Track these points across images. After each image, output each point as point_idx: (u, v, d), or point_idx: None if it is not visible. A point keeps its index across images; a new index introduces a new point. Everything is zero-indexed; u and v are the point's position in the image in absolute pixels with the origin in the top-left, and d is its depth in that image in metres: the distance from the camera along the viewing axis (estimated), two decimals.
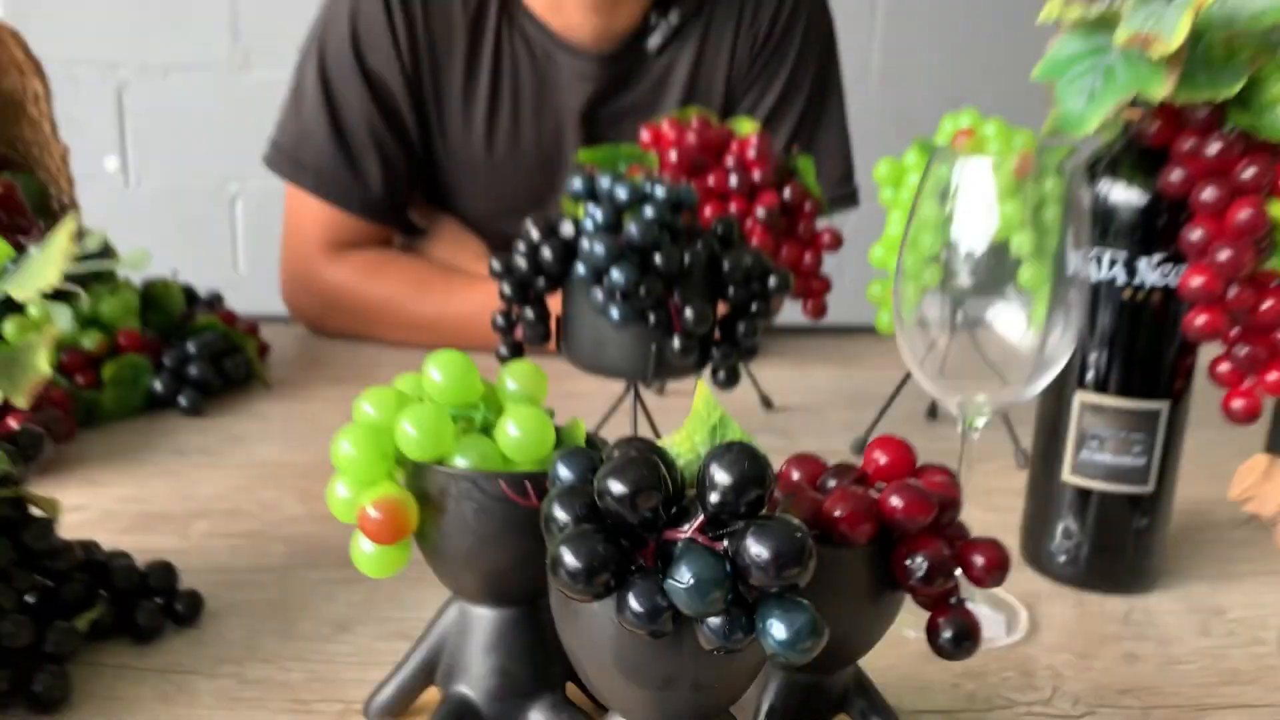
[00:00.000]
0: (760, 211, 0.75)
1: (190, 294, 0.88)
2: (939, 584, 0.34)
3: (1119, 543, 0.58)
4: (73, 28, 1.87)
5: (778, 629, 0.27)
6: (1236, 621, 0.56)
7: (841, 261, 1.14)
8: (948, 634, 0.34)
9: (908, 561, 0.34)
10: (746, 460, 0.27)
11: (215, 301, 0.89)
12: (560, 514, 0.29)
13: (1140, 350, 0.55)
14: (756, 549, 0.26)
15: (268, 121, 2.01)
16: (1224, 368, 0.55)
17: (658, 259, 0.59)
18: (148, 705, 0.45)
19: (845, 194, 1.08)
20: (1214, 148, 0.50)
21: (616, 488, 0.27)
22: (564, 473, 0.31)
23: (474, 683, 0.38)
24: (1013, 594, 0.57)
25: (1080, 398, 0.56)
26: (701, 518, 0.28)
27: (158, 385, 0.77)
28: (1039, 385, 0.51)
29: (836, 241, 0.78)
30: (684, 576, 0.27)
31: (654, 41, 1.02)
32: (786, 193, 0.77)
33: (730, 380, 0.65)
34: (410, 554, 0.37)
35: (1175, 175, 0.52)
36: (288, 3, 1.90)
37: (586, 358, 0.63)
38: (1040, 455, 0.60)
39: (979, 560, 0.35)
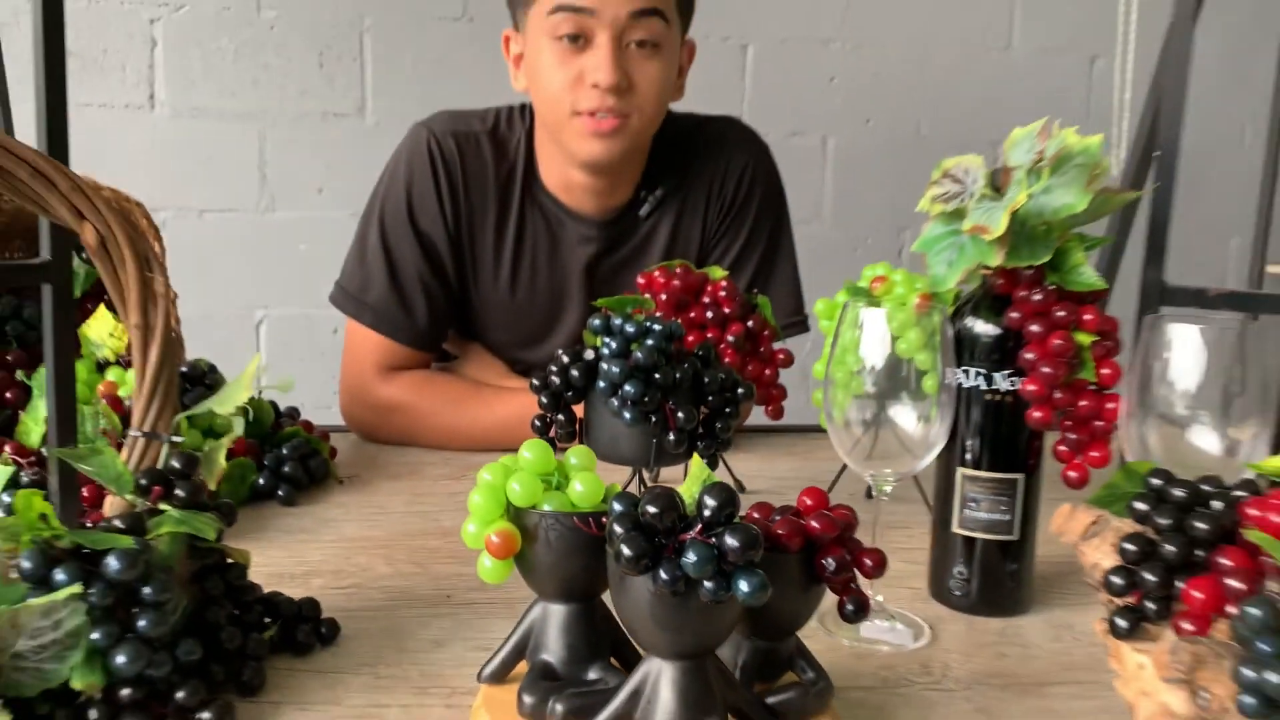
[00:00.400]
0: (730, 338, 0.98)
1: (276, 408, 1.09)
2: (843, 575, 0.55)
3: (997, 578, 0.79)
4: (117, 173, 2.10)
5: (743, 585, 0.48)
6: (1082, 633, 0.77)
7: (806, 374, 1.37)
8: (850, 606, 0.56)
9: (823, 561, 0.55)
10: (725, 492, 0.49)
11: (295, 414, 1.11)
12: (618, 528, 0.50)
13: (1001, 437, 0.77)
14: (731, 540, 0.48)
15: (290, 255, 2.24)
16: (1062, 448, 0.78)
17: (657, 376, 0.81)
18: (317, 691, 0.65)
19: (796, 322, 1.32)
20: (1038, 296, 0.74)
21: (652, 509, 0.49)
22: (618, 506, 0.52)
23: (552, 653, 0.58)
24: (921, 617, 0.78)
25: (961, 471, 0.79)
26: (700, 526, 0.49)
27: (261, 481, 0.98)
28: (925, 462, 0.73)
29: (789, 360, 1.01)
30: (690, 558, 0.48)
31: (643, 211, 1.28)
32: (750, 323, 1.00)
33: (711, 466, 0.86)
34: (512, 568, 0.58)
35: (1014, 314, 0.75)
36: (308, 153, 2.16)
37: (604, 450, 0.85)
38: (938, 515, 0.81)
39: (868, 561, 0.56)
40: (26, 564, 0.56)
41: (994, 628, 0.77)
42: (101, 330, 0.98)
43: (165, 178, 2.13)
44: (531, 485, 0.57)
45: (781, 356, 1.01)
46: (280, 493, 0.98)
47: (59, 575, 0.56)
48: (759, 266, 1.31)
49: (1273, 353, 0.68)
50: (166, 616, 0.58)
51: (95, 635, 0.56)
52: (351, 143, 2.17)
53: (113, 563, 0.57)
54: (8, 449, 0.89)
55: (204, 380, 1.01)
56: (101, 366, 0.97)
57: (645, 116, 1.18)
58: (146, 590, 0.58)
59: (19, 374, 0.96)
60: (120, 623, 0.57)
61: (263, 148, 2.15)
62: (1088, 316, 0.73)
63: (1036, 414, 0.75)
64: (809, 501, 0.58)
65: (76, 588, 0.56)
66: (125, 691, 0.57)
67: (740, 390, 0.86)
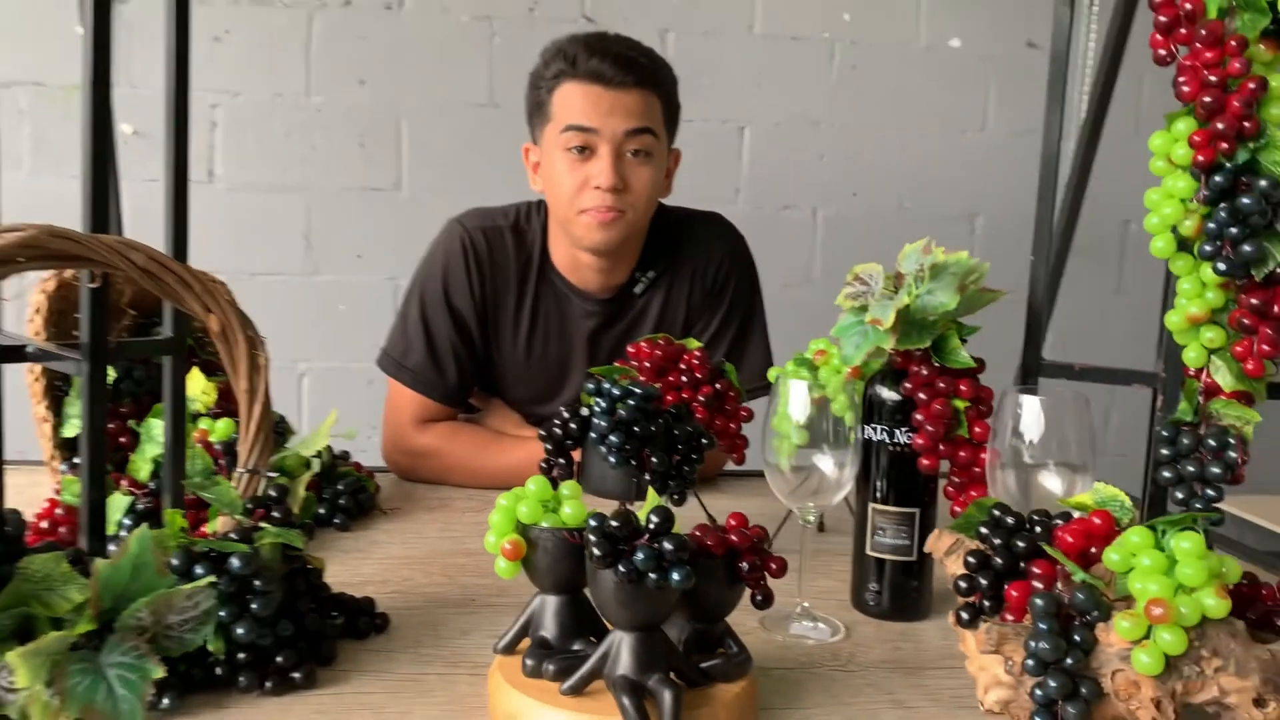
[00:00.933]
0: (701, 397, 1.20)
1: (332, 451, 1.32)
2: (754, 575, 0.77)
3: (902, 591, 1.01)
4: None
5: (675, 575, 0.70)
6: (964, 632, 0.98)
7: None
8: (759, 597, 0.78)
9: (740, 564, 0.77)
10: (665, 512, 0.72)
11: (345, 456, 1.34)
12: (592, 536, 0.73)
13: (902, 479, 0.99)
14: (668, 544, 0.70)
15: (331, 314, 2.46)
16: (949, 488, 1.00)
17: (637, 429, 1.03)
18: (375, 663, 0.87)
19: (764, 385, 1.54)
20: (924, 371, 0.96)
21: (615, 523, 0.72)
22: (593, 522, 0.74)
23: (548, 630, 0.80)
24: (841, 621, 1.00)
25: (872, 506, 1.01)
26: (647, 535, 0.72)
27: (321, 511, 1.21)
28: (839, 498, 0.96)
29: (750, 416, 1.23)
30: (640, 556, 0.71)
31: (638, 290, 1.53)
32: (718, 385, 1.22)
33: (680, 500, 1.08)
34: (520, 568, 0.81)
35: (908, 385, 0.97)
36: (349, 223, 2.40)
37: (595, 486, 1.07)
38: (856, 541, 1.03)
39: (773, 564, 0.78)
40: (175, 561, 0.79)
41: (897, 629, 0.99)
42: (195, 388, 1.22)
43: (221, 244, 2.32)
44: (534, 508, 0.80)
45: (744, 413, 1.23)
46: (336, 520, 1.20)
47: (198, 569, 0.79)
48: (735, 338, 1.56)
49: (1093, 416, 0.90)
50: (271, 602, 0.81)
51: (223, 613, 0.79)
52: (388, 215, 2.41)
53: (235, 561, 0.80)
54: (124, 483, 1.12)
55: (275, 429, 1.25)
56: (194, 417, 1.21)
57: (638, 211, 1.44)
58: (257, 582, 0.81)
59: (130, 422, 1.19)
60: (240, 605, 0.80)
61: (308, 218, 2.39)
62: (963, 387, 0.96)
63: (925, 461, 0.97)
64: (733, 522, 0.80)
65: (210, 578, 0.78)
66: (241, 655, 0.80)
67: (704, 441, 1.08)
